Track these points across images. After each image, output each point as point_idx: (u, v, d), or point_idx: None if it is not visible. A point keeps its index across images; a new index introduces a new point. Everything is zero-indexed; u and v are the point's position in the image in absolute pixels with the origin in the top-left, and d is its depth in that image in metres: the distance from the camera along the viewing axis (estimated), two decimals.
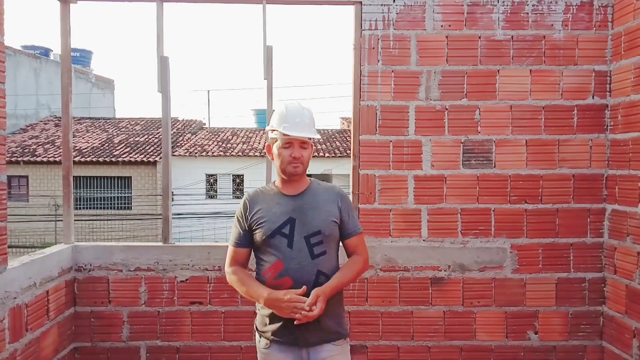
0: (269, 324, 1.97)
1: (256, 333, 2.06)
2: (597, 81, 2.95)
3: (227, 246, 2.95)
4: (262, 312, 2.00)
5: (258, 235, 1.98)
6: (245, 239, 2.04)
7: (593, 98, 2.95)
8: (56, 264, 2.73)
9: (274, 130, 2.00)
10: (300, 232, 1.96)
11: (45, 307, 2.60)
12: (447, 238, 2.96)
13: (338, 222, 2.02)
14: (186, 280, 2.94)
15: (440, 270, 2.95)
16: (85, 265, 2.92)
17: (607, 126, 2.95)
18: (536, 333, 2.99)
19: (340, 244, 2.08)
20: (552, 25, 2.93)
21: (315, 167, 17.90)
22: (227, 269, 2.08)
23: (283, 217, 1.97)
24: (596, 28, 2.94)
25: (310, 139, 1.99)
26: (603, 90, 2.95)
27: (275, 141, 1.99)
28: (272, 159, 2.06)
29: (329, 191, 2.08)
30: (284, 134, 1.95)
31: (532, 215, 2.96)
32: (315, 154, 17.94)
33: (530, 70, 2.94)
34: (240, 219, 2.06)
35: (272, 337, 1.96)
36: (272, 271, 1.95)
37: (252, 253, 2.08)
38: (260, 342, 2.03)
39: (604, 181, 2.97)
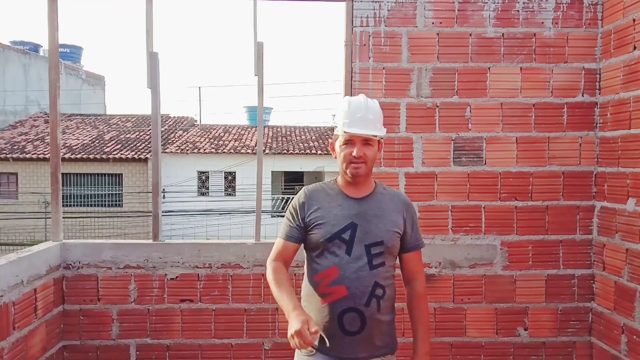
0: (319, 337, 1.83)
1: None
2: (586, 79, 2.96)
3: (218, 244, 2.97)
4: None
5: (315, 237, 1.84)
6: (298, 234, 1.90)
7: (583, 96, 2.97)
8: (44, 262, 2.70)
9: (336, 126, 1.87)
10: (361, 240, 1.82)
11: (33, 305, 2.58)
12: (437, 235, 2.96)
13: (401, 233, 1.91)
14: (176, 277, 2.92)
15: (431, 267, 2.96)
16: (74, 263, 2.89)
17: (597, 124, 2.97)
18: (526, 329, 3.01)
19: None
20: (542, 23, 2.94)
21: (307, 164, 17.89)
22: (270, 263, 1.92)
23: (344, 222, 1.84)
24: (586, 26, 2.95)
25: (375, 136, 1.84)
26: (593, 88, 2.96)
27: (338, 138, 1.88)
28: (335, 158, 1.91)
29: (395, 199, 1.95)
30: (344, 131, 1.82)
31: (522, 212, 2.97)
32: (307, 151, 17.94)
33: (521, 68, 2.95)
34: (294, 212, 1.91)
35: (319, 346, 1.85)
36: (326, 277, 1.82)
37: (304, 252, 1.96)
38: (303, 349, 1.88)
39: (593, 178, 2.98)
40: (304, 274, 2.00)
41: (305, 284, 1.96)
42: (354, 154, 1.82)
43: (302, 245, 1.96)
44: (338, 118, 1.88)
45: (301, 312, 1.69)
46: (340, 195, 1.90)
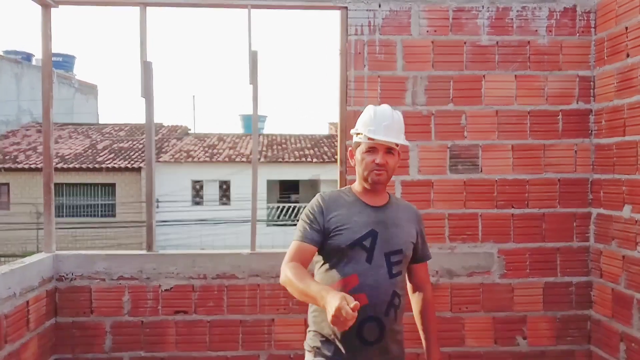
0: (333, 346, 1.81)
1: (308, 352, 1.90)
2: (581, 86, 2.97)
3: (212, 254, 2.94)
4: (320, 331, 1.86)
5: (335, 243, 1.80)
6: (317, 237, 1.83)
7: (577, 103, 2.98)
8: (36, 274, 2.66)
9: (359, 133, 1.87)
10: (381, 248, 1.82)
11: (25, 317, 2.53)
12: (434, 243, 2.94)
13: (415, 244, 1.93)
14: (170, 289, 2.88)
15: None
16: (67, 275, 2.85)
17: (592, 131, 2.98)
18: (525, 338, 2.99)
19: None
20: (536, 30, 2.95)
21: (303, 172, 17.87)
22: (285, 264, 1.81)
23: (365, 229, 1.82)
24: (579, 34, 2.97)
25: (397, 145, 1.86)
26: (587, 96, 2.97)
27: (359, 145, 1.87)
28: (354, 165, 1.92)
29: (409, 210, 1.99)
30: (369, 138, 1.82)
31: (518, 220, 2.97)
32: (303, 159, 17.93)
33: (516, 76, 2.95)
34: (313, 215, 1.85)
35: (333, 357, 1.81)
36: (346, 285, 1.78)
37: (322, 260, 1.89)
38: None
39: (589, 185, 2.98)
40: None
41: None
42: (377, 161, 1.82)
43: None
44: (361, 125, 1.89)
45: (336, 292, 1.57)
46: (358, 202, 1.88)
